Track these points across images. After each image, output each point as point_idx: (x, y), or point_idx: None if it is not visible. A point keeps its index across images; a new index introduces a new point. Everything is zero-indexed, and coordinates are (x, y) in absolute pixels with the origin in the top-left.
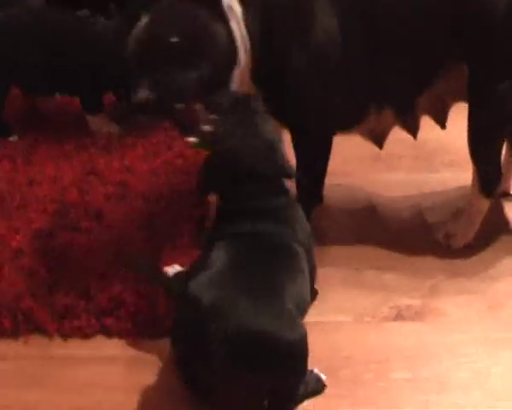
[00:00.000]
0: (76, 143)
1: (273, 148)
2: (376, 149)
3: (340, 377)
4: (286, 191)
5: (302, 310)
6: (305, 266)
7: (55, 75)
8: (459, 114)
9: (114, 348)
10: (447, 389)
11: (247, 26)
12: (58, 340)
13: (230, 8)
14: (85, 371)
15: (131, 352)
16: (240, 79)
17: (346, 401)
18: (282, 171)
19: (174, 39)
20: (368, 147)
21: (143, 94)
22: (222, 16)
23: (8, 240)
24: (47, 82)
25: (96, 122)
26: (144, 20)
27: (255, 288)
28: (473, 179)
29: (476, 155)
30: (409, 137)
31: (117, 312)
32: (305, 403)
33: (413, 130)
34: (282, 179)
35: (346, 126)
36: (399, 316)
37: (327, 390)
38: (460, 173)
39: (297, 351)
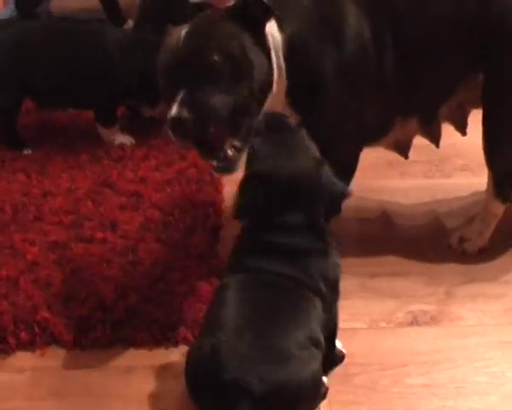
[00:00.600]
0: (89, 155)
1: (319, 166)
2: (389, 155)
3: (356, 384)
4: (323, 235)
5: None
6: (313, 313)
7: (69, 88)
8: (471, 120)
9: (131, 358)
10: (464, 393)
11: (284, 54)
12: (74, 351)
13: (272, 34)
14: (102, 382)
15: (147, 362)
16: (274, 104)
17: (363, 407)
18: (333, 190)
19: (217, 58)
20: (380, 153)
21: (180, 112)
22: (263, 42)
23: (24, 252)
24: (61, 95)
25: (109, 134)
26: (180, 32)
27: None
28: (488, 184)
29: (491, 160)
30: (420, 142)
31: (133, 322)
32: None
33: (435, 138)
34: (322, 224)
35: (375, 139)
36: (415, 321)
37: (343, 397)
38: (473, 178)
39: (310, 389)
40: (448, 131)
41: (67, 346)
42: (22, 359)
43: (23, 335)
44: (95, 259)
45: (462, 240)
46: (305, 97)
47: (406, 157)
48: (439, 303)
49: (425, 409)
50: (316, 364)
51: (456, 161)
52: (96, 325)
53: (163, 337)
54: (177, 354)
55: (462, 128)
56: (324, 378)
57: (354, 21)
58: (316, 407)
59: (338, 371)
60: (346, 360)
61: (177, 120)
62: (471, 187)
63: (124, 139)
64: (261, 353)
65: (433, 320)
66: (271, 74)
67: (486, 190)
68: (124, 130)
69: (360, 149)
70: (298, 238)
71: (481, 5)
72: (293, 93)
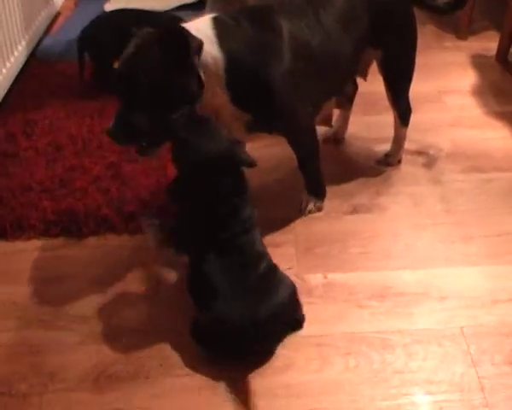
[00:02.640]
0: None
1: (234, 145)
2: None
3: (316, 253)
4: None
5: None
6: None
7: None
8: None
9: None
10: (388, 256)
11: (225, 68)
12: (126, 236)
13: (210, 53)
14: (144, 254)
15: None
16: (220, 110)
17: (321, 268)
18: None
19: (143, 81)
20: None
21: (114, 128)
22: (190, 63)
23: (91, 170)
24: None
25: None
26: (128, 48)
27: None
28: (394, 118)
29: (395, 104)
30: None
31: (165, 215)
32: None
33: (344, 104)
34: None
35: (315, 114)
36: (355, 211)
37: (307, 263)
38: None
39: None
40: (375, 81)
41: (120, 232)
42: (92, 241)
43: (91, 225)
44: (138, 174)
45: (386, 157)
46: (250, 99)
47: (330, 126)
48: (371, 198)
49: (362, 268)
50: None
51: (384, 103)
52: (139, 217)
53: None
54: None
55: (364, 77)
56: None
57: (286, 32)
58: None
59: (305, 244)
60: (309, 237)
61: (111, 132)
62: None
63: None
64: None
65: (368, 210)
66: (197, 89)
67: (395, 123)
68: None
69: (311, 122)
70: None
71: (370, 7)
72: (238, 98)
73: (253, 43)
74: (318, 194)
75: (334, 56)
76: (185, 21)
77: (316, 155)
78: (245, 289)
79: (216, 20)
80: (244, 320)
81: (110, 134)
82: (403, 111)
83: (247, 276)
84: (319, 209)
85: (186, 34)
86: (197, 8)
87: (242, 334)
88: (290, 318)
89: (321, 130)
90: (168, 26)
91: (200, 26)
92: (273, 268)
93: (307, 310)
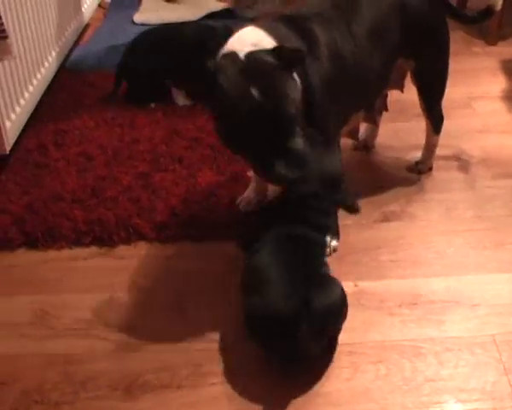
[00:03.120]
0: (163, 113)
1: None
2: None
3: (347, 261)
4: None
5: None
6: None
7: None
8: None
9: (195, 248)
10: (420, 264)
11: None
12: (156, 244)
13: None
14: (174, 263)
15: (208, 249)
16: None
17: (352, 276)
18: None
19: (292, 111)
20: None
21: (286, 173)
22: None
23: (121, 180)
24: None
25: (179, 98)
26: (237, 77)
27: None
28: (426, 126)
29: (428, 113)
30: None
31: (195, 224)
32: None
33: (373, 119)
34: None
35: (341, 126)
36: (386, 219)
37: (336, 269)
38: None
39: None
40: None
41: (152, 241)
42: (122, 250)
43: (122, 234)
44: (168, 183)
45: (416, 164)
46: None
47: (357, 139)
48: (402, 206)
49: (392, 276)
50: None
51: (414, 110)
52: (170, 226)
53: (218, 233)
54: (225, 247)
55: (401, 89)
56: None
57: (324, 42)
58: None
59: (333, 253)
60: (339, 245)
61: (283, 177)
62: (420, 128)
63: (186, 102)
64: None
65: (399, 217)
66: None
67: (427, 130)
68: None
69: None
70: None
71: (403, 18)
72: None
73: None
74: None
75: (365, 68)
76: (220, 31)
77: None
78: (304, 278)
79: (271, 31)
80: (299, 307)
81: (282, 178)
82: (436, 119)
83: (308, 265)
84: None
85: (303, 54)
86: (224, 16)
87: (296, 321)
88: (338, 320)
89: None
90: (284, 48)
91: (259, 38)
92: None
93: None
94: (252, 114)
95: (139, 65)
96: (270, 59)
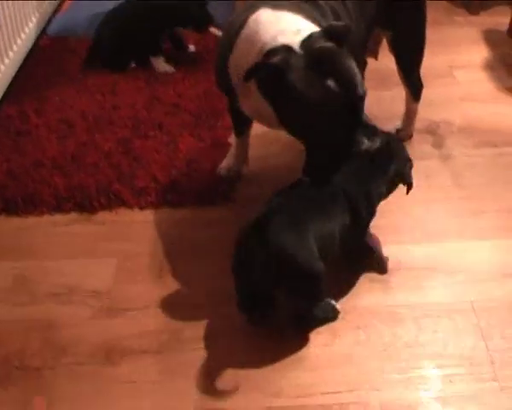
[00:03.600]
0: (144, 80)
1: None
2: None
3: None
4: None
5: (325, 250)
6: (341, 215)
7: None
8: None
9: (175, 214)
10: (400, 231)
11: None
12: (136, 210)
13: None
14: (154, 229)
15: (188, 215)
16: None
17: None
18: None
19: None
20: None
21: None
22: None
23: (102, 146)
24: None
25: (158, 63)
26: (322, 79)
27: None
28: (406, 94)
29: (407, 81)
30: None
31: (175, 190)
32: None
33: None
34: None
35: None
36: None
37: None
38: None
39: (311, 278)
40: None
41: (132, 207)
42: (103, 216)
43: (103, 200)
44: (148, 149)
45: (397, 132)
46: None
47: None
48: None
49: None
50: (309, 253)
51: (393, 79)
52: (150, 192)
53: (199, 199)
54: (210, 211)
55: (375, 56)
56: (337, 305)
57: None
58: (311, 303)
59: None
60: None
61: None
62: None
63: (167, 68)
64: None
65: None
66: None
67: (406, 98)
68: (167, 61)
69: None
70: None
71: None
72: None
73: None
74: None
75: (355, 37)
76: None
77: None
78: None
79: (295, 10)
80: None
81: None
82: (414, 87)
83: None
84: None
85: (350, 27)
86: None
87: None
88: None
89: None
90: (333, 26)
91: (294, 22)
92: None
93: None
94: (332, 105)
95: (113, 37)
96: (325, 43)
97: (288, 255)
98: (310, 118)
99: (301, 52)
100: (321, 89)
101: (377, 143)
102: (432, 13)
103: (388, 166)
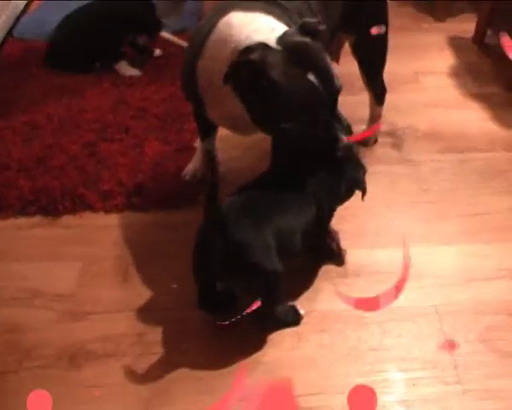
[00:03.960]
0: (110, 83)
1: None
2: None
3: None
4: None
5: (284, 246)
6: (304, 211)
7: None
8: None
9: (140, 217)
10: (364, 235)
11: None
12: (102, 214)
13: None
14: (119, 233)
15: (153, 219)
16: None
17: None
18: None
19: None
20: None
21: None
22: None
23: (67, 149)
24: None
25: (122, 68)
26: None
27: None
28: (370, 98)
29: (370, 86)
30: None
31: (141, 194)
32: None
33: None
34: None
35: None
36: None
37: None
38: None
39: (266, 275)
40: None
41: (97, 210)
42: (68, 220)
43: (68, 203)
44: (114, 152)
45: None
46: None
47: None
48: None
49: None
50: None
51: (359, 84)
52: (115, 195)
53: (161, 203)
54: (176, 214)
55: (337, 60)
56: (301, 311)
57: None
58: (270, 303)
59: None
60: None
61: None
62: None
63: (133, 72)
64: (250, 222)
65: None
66: None
67: (370, 102)
68: (133, 65)
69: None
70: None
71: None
72: None
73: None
74: None
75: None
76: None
77: None
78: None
79: (264, 11)
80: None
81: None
82: (378, 91)
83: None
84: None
85: (320, 23)
86: None
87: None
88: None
89: None
90: (307, 22)
91: (266, 22)
92: None
93: None
94: (314, 99)
95: (68, 43)
96: (301, 38)
97: (243, 251)
98: (292, 112)
99: (279, 48)
100: (303, 83)
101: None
102: (399, 19)
103: (347, 169)
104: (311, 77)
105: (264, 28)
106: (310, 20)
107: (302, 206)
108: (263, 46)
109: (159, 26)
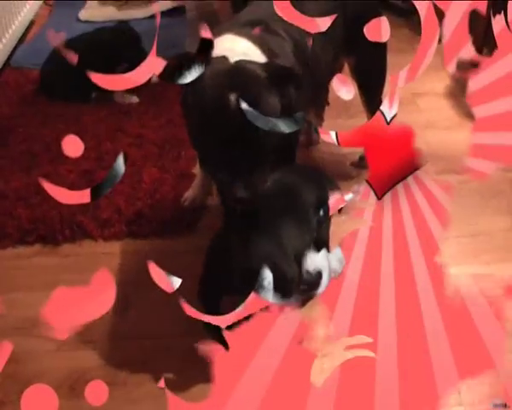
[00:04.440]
0: (108, 111)
1: None
2: None
3: None
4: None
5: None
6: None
7: None
8: None
9: (140, 245)
10: None
11: None
12: (100, 242)
13: None
14: (119, 260)
15: (152, 246)
16: None
17: None
18: None
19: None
20: None
21: (241, 194)
22: None
23: (65, 177)
24: None
25: (120, 96)
26: (224, 90)
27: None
28: (368, 119)
29: (368, 108)
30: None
31: (140, 221)
32: None
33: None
34: None
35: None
36: None
37: None
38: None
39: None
40: None
41: (96, 238)
42: (67, 248)
43: (67, 232)
44: None
45: (360, 159)
46: None
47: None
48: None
49: None
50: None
51: (356, 107)
52: (114, 223)
53: (160, 230)
54: (175, 241)
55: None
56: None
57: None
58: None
59: None
60: None
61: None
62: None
63: (131, 99)
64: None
65: (343, 211)
66: None
67: None
68: (131, 92)
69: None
70: None
71: (344, 16)
72: None
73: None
74: None
75: (322, 66)
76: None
77: None
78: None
79: (257, 41)
80: None
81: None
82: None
83: None
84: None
85: (293, 72)
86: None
87: None
88: None
89: None
90: (275, 65)
91: (247, 47)
92: None
93: None
94: (223, 120)
95: (59, 74)
96: (259, 71)
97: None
98: (201, 120)
99: (232, 64)
100: (220, 95)
101: (248, 195)
102: (395, 41)
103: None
104: (232, 97)
105: (239, 50)
106: (279, 64)
107: (309, 219)
108: (222, 59)
109: (144, 57)
